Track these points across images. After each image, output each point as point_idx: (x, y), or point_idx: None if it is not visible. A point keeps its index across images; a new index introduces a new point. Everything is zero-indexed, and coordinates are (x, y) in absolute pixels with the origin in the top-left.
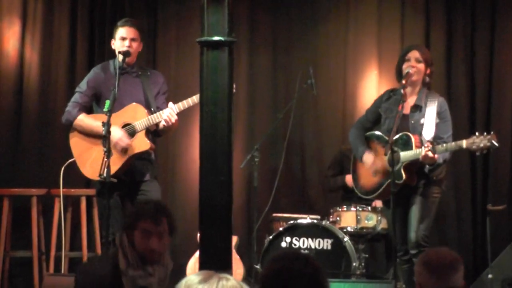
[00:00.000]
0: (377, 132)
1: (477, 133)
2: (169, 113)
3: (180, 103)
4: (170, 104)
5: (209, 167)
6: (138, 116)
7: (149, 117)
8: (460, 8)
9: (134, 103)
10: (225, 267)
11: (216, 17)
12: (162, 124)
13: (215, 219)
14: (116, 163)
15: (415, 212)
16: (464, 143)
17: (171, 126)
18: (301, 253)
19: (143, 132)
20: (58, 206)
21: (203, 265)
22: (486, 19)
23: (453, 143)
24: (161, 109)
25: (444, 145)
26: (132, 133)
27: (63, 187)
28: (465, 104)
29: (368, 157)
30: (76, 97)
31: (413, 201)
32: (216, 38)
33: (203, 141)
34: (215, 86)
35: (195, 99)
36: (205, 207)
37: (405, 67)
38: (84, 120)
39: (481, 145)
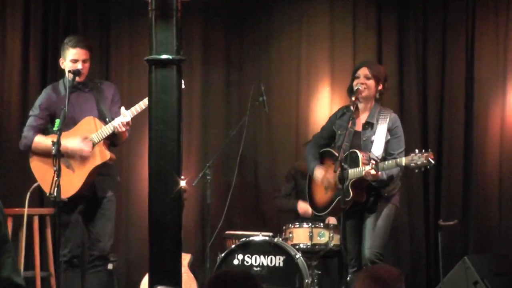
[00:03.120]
0: (329, 149)
1: (416, 150)
2: (121, 120)
3: (132, 108)
4: (122, 109)
5: (158, 186)
6: (94, 128)
7: (104, 127)
8: (412, 24)
9: (87, 117)
10: (175, 285)
11: (164, 35)
12: (117, 130)
13: (164, 238)
14: (78, 180)
15: (368, 229)
16: (403, 160)
17: (123, 133)
18: (237, 275)
19: (101, 143)
20: (11, 225)
21: (153, 284)
22: (437, 35)
23: (393, 160)
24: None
25: (386, 162)
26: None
27: (15, 206)
28: (417, 119)
29: (318, 172)
30: (30, 121)
31: (366, 219)
32: (164, 56)
33: (152, 159)
34: (164, 105)
35: (146, 101)
36: (155, 226)
37: (355, 84)
38: (40, 142)
39: (419, 162)
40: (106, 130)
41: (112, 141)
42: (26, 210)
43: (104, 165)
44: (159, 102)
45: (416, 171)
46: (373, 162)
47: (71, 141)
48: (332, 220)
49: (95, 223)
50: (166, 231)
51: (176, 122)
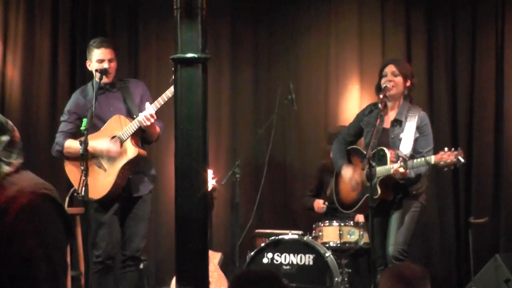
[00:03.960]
0: (357, 147)
1: (446, 149)
2: (145, 114)
3: (155, 101)
4: (147, 104)
5: (185, 185)
6: (121, 126)
7: (131, 123)
8: (441, 21)
9: (115, 115)
10: (202, 284)
11: (189, 33)
12: (143, 125)
13: (191, 237)
14: (110, 179)
15: (393, 226)
16: (432, 159)
17: (150, 127)
18: (262, 273)
19: (129, 140)
20: None
21: (179, 283)
22: (466, 32)
23: (422, 158)
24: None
25: (415, 160)
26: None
27: None
28: (447, 117)
29: (346, 171)
30: (61, 127)
31: (392, 215)
32: (189, 55)
33: (178, 158)
34: (189, 104)
35: (168, 93)
36: (181, 225)
37: (383, 82)
38: (70, 146)
39: (448, 161)
40: (133, 126)
41: (143, 138)
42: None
43: (135, 162)
44: (185, 100)
45: (445, 169)
46: (402, 160)
47: (99, 142)
48: (361, 218)
49: (128, 223)
50: (193, 230)
51: (202, 121)
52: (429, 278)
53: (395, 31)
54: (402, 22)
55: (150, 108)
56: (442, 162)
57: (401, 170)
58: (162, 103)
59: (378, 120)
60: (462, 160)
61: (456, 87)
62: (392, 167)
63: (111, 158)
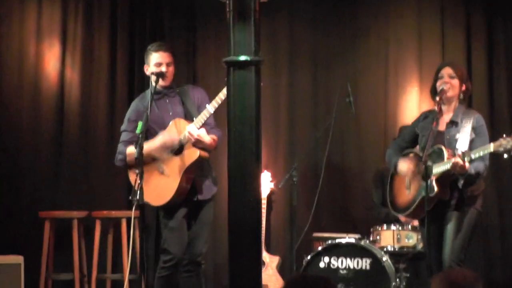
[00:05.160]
0: (412, 150)
1: (504, 135)
2: (189, 129)
3: (213, 101)
4: (207, 106)
5: (238, 187)
6: (180, 129)
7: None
8: (501, 22)
9: (175, 119)
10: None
11: (242, 36)
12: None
13: (244, 240)
14: (173, 183)
15: (449, 234)
16: (491, 146)
17: (197, 143)
18: (314, 280)
19: (190, 143)
20: (99, 228)
21: (233, 286)
22: None
23: (480, 147)
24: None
25: (473, 151)
26: (180, 148)
27: (102, 209)
28: (508, 120)
29: (402, 165)
30: (122, 136)
31: (448, 219)
32: (242, 57)
33: (231, 161)
34: (242, 106)
35: (223, 93)
36: (234, 228)
37: (439, 84)
38: (131, 152)
39: (508, 146)
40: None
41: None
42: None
43: (198, 164)
44: (238, 103)
45: (506, 156)
46: (459, 153)
47: (155, 142)
48: (415, 223)
49: (193, 228)
50: (246, 234)
51: (255, 123)
52: (482, 284)
53: (454, 32)
54: (462, 23)
55: (194, 129)
56: (501, 149)
57: (460, 162)
58: (220, 102)
59: (435, 123)
60: None
61: None
62: (451, 161)
63: (173, 148)
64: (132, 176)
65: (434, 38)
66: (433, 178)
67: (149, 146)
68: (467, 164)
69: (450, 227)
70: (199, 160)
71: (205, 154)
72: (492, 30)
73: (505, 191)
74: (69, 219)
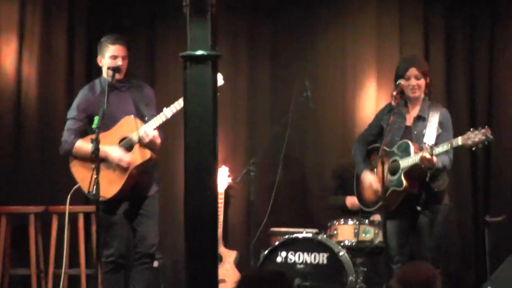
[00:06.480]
0: (377, 145)
1: (471, 129)
2: (144, 129)
3: (171, 106)
4: (164, 109)
5: (194, 183)
6: (134, 127)
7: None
8: (459, 17)
9: (127, 116)
10: (211, 283)
11: (199, 31)
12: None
13: (201, 234)
14: (118, 180)
15: (424, 229)
16: (460, 139)
17: (149, 143)
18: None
19: (142, 142)
20: (57, 223)
21: (189, 280)
22: (485, 28)
23: (449, 141)
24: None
25: (440, 145)
26: (130, 146)
27: (60, 204)
28: (465, 114)
29: (367, 178)
30: (69, 124)
31: (421, 221)
32: (199, 52)
33: (188, 156)
34: (199, 101)
35: (181, 101)
36: (191, 223)
37: (406, 85)
38: (81, 147)
39: (476, 139)
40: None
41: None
42: (67, 208)
43: (146, 164)
44: (194, 98)
45: (474, 149)
46: (427, 147)
47: (112, 149)
48: (377, 217)
49: (140, 222)
50: (203, 229)
51: (212, 118)
52: (440, 279)
53: (413, 27)
54: (420, 18)
55: (150, 130)
56: (469, 142)
57: (428, 156)
58: (175, 111)
59: (392, 118)
60: (491, 137)
61: (474, 86)
62: (419, 154)
63: (119, 167)
64: (76, 167)
65: (393, 34)
66: (401, 173)
67: (104, 149)
68: (434, 158)
69: (425, 229)
70: (150, 161)
71: (154, 156)
72: (450, 25)
73: (462, 185)
74: (26, 214)
